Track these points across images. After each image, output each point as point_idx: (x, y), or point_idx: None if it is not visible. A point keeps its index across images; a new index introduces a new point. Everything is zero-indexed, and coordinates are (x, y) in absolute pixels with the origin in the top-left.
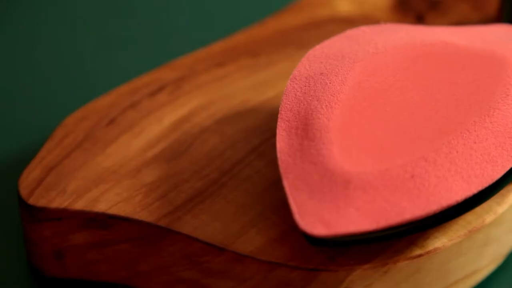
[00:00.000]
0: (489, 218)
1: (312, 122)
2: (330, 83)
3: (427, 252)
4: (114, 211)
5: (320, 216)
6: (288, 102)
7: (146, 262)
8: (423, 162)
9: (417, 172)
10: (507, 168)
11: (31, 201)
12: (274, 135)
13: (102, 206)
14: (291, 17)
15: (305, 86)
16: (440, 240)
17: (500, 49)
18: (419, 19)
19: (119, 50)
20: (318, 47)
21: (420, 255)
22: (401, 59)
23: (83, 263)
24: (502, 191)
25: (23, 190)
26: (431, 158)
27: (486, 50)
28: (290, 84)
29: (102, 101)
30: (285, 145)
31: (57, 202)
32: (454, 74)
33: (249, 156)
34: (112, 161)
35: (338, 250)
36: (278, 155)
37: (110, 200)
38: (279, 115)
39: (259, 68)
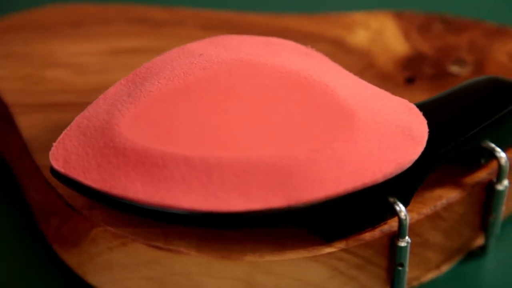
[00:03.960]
0: (250, 258)
1: (144, 84)
2: (190, 63)
3: (168, 250)
4: None
5: (69, 154)
6: (153, 62)
7: (9, 143)
8: (182, 161)
9: (171, 165)
10: (241, 209)
11: None
12: None
13: None
14: (305, 22)
15: (178, 56)
16: (189, 246)
17: (368, 116)
18: (409, 81)
19: None
20: (233, 36)
21: (158, 247)
22: (270, 77)
23: None
24: (287, 248)
25: None
26: (192, 162)
27: (352, 109)
28: (174, 50)
29: (93, 8)
30: (113, 90)
31: None
32: (303, 112)
33: None
34: (41, 50)
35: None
36: (101, 95)
37: (2, 74)
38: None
39: None
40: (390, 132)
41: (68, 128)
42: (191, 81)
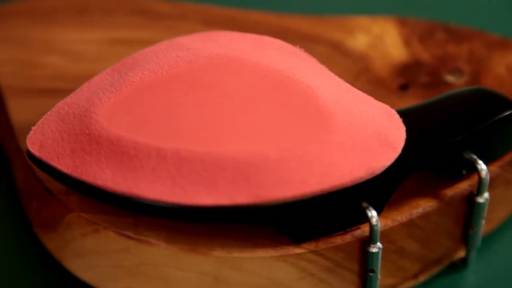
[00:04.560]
0: (219, 254)
1: (128, 74)
2: (176, 57)
3: (138, 240)
4: None
5: (46, 139)
6: (141, 53)
7: (2, 126)
8: (154, 152)
9: (141, 155)
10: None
11: None
12: None
13: None
14: (306, 23)
15: (166, 49)
16: (159, 237)
17: (345, 119)
18: (402, 88)
19: None
20: (224, 32)
21: (129, 237)
22: (253, 74)
23: None
24: (256, 246)
25: None
26: (163, 153)
27: (331, 111)
28: (163, 42)
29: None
30: (98, 78)
31: None
32: (280, 111)
33: None
34: (40, 37)
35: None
36: (85, 83)
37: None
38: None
39: None
40: (365, 137)
41: (48, 113)
42: (173, 74)
